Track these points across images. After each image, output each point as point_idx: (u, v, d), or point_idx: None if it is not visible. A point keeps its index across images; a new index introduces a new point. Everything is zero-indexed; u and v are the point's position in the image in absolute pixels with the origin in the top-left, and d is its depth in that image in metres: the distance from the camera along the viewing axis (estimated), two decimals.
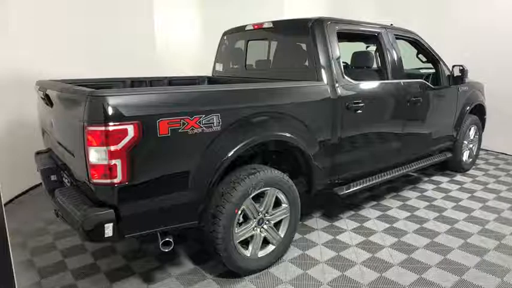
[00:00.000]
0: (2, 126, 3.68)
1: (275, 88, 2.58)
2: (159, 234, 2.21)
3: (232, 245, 2.37)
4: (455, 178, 4.60)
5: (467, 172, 4.81)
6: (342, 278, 2.53)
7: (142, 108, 1.93)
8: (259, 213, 2.53)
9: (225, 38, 3.83)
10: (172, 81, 3.76)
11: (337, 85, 2.87)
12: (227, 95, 2.28)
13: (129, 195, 1.95)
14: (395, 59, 3.46)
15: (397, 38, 3.85)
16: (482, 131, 4.96)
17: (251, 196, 2.42)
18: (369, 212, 3.60)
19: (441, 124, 4.07)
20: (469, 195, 4.04)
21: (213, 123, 2.16)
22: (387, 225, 3.31)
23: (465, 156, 4.74)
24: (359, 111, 3.02)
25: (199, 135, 2.11)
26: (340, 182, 3.11)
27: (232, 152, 2.24)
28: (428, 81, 4.07)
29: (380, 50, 3.44)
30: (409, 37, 3.83)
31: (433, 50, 4.03)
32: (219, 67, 3.88)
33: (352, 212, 3.60)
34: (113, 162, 1.87)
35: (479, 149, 5.01)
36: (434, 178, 4.60)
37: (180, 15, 5.43)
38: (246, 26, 3.50)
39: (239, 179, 2.37)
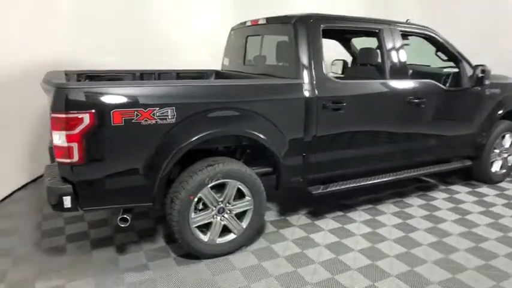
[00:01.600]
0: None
1: (239, 85, 2.69)
2: (121, 210, 2.51)
3: (188, 228, 2.58)
4: (478, 189, 4.19)
5: (498, 184, 4.34)
6: (293, 274, 2.58)
7: (98, 99, 2.21)
8: (219, 203, 2.69)
9: (232, 33, 3.98)
10: (180, 74, 4.03)
11: (315, 84, 2.86)
12: (183, 90, 2.46)
13: (84, 174, 2.27)
14: (396, 57, 3.28)
15: (408, 35, 3.65)
16: None
17: (209, 186, 2.59)
18: (359, 214, 3.51)
19: (456, 128, 3.75)
20: (484, 209, 3.67)
21: (167, 115, 2.36)
22: (369, 230, 3.21)
23: (495, 167, 4.27)
24: (340, 111, 2.97)
25: (153, 126, 2.33)
26: (317, 181, 3.11)
27: (185, 144, 2.43)
28: (447, 81, 3.78)
29: (380, 48, 3.29)
30: (422, 33, 3.58)
31: (453, 48, 3.70)
32: (226, 61, 4.05)
33: (341, 213, 3.54)
34: (71, 144, 2.18)
35: None
36: (453, 187, 4.25)
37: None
38: (246, 21, 3.61)
39: (197, 169, 2.56)
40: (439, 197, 3.97)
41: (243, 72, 3.62)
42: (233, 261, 2.73)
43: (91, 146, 2.23)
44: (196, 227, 2.65)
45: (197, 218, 2.63)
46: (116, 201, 2.42)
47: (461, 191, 4.16)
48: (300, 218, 3.44)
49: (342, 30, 3.20)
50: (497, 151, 4.22)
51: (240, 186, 2.72)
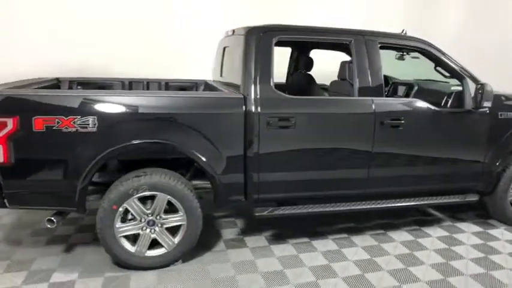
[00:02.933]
0: None
1: (168, 97, 2.64)
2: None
3: (112, 237, 2.59)
4: (490, 231, 3.50)
5: None
6: None
7: (21, 106, 2.35)
8: (148, 215, 2.65)
9: (218, 43, 3.94)
10: (169, 84, 4.10)
11: (259, 99, 2.68)
12: (106, 100, 2.48)
13: (9, 174, 2.41)
14: (369, 72, 2.92)
15: (394, 48, 3.24)
16: None
17: (135, 197, 2.57)
18: (325, 244, 3.17)
19: (452, 157, 3.18)
20: (480, 256, 3.04)
21: (88, 124, 2.41)
22: (324, 263, 2.87)
23: None
24: (289, 129, 2.74)
25: (73, 134, 2.40)
26: (268, 202, 2.89)
27: (105, 153, 2.45)
28: (449, 101, 3.26)
29: (350, 62, 2.96)
30: (411, 46, 3.14)
31: (453, 62, 3.17)
32: (214, 72, 4.02)
33: (307, 240, 3.24)
34: None
35: None
36: (461, 224, 3.61)
37: None
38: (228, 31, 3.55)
39: (124, 179, 2.57)
40: (434, 234, 3.40)
41: (219, 83, 3.56)
42: (155, 275, 2.65)
43: (16, 149, 2.36)
44: (125, 237, 2.65)
45: (123, 228, 2.62)
46: (40, 203, 2.53)
47: (468, 230, 3.51)
48: (258, 240, 3.23)
49: (305, 42, 2.94)
50: None
51: (171, 200, 2.66)
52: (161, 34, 4.70)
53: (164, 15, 4.71)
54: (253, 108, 2.67)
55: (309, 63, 4.03)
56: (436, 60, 3.21)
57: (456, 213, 3.85)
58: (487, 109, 3.16)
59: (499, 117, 3.22)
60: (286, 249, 3.08)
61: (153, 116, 2.55)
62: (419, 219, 3.72)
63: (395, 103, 3.04)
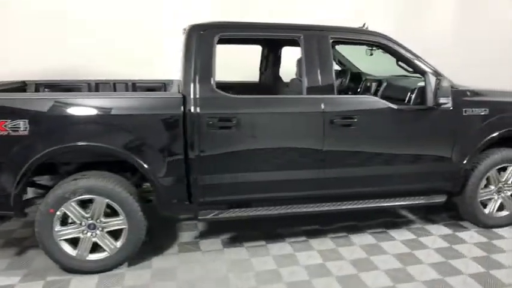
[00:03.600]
0: None
1: (103, 98, 2.59)
2: None
3: (51, 240, 2.56)
4: (459, 233, 3.31)
5: (494, 230, 3.36)
6: None
7: None
8: (88, 219, 2.62)
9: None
10: (136, 85, 4.06)
11: (198, 99, 2.60)
12: (37, 103, 2.45)
13: None
14: (319, 69, 2.79)
15: (352, 43, 3.11)
16: None
17: (72, 200, 2.54)
18: (280, 247, 3.06)
19: (415, 156, 3.03)
20: (441, 260, 2.86)
21: (19, 127, 2.39)
22: (272, 268, 2.77)
23: (490, 207, 3.34)
24: (231, 130, 2.65)
25: (5, 137, 2.38)
26: (212, 205, 2.82)
27: (37, 157, 2.42)
28: (412, 97, 3.10)
29: (301, 58, 2.84)
30: (371, 41, 2.99)
31: (416, 57, 3.01)
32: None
33: (263, 243, 3.15)
34: None
35: None
36: (430, 227, 3.44)
37: None
38: None
39: (62, 183, 2.54)
40: (398, 237, 3.25)
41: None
42: (96, 279, 2.62)
43: None
44: (66, 240, 2.63)
45: (62, 232, 2.60)
46: None
47: (437, 232, 3.34)
48: (213, 243, 3.16)
49: (251, 39, 2.84)
50: (492, 187, 3.29)
51: (111, 204, 2.61)
52: (161, 34, 4.62)
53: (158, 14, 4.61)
54: (192, 109, 2.59)
55: (277, 61, 3.92)
56: (395, 55, 3.05)
57: (429, 214, 3.68)
58: (450, 105, 2.99)
59: (464, 113, 3.03)
60: (239, 252, 3.01)
61: (86, 119, 2.51)
62: (389, 221, 3.56)
63: (347, 101, 2.90)
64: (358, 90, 4.00)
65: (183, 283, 2.59)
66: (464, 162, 3.12)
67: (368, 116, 2.86)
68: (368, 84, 3.95)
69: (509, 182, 3.31)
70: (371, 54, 3.58)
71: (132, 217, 2.65)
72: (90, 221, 2.63)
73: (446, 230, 3.38)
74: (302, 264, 2.83)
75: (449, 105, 2.97)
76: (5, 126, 2.37)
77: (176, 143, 2.62)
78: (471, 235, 3.28)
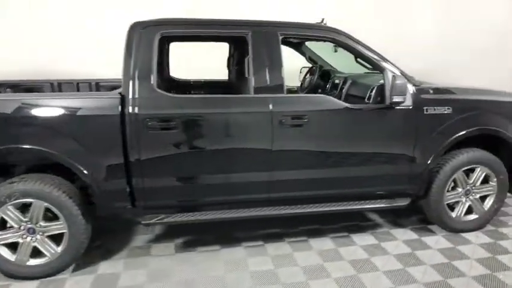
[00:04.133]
0: None
1: (36, 99, 2.50)
2: None
3: None
4: (425, 238, 3.15)
5: (462, 235, 3.19)
6: None
7: None
8: (27, 223, 2.55)
9: None
10: (99, 84, 3.99)
11: (137, 99, 2.51)
12: None
13: None
14: (266, 67, 2.67)
15: (305, 39, 2.98)
16: (510, 174, 3.18)
17: (8, 204, 2.48)
18: (233, 252, 2.96)
19: (372, 157, 2.88)
20: (400, 267, 2.72)
21: None
22: (220, 274, 2.67)
23: (457, 211, 3.17)
24: (172, 131, 2.55)
25: None
26: (158, 209, 2.72)
27: None
28: (371, 96, 2.96)
29: (249, 56, 2.73)
30: (325, 37, 2.86)
31: (373, 53, 2.86)
32: None
33: (218, 247, 3.05)
34: None
35: (498, 202, 3.23)
36: (397, 231, 3.29)
37: None
38: None
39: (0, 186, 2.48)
40: (360, 242, 3.11)
41: None
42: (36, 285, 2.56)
43: None
44: (5, 245, 2.56)
45: (2, 236, 2.54)
46: None
47: (401, 237, 3.19)
48: (167, 247, 3.07)
49: (199, 36, 2.73)
50: (459, 189, 3.13)
51: (50, 207, 2.54)
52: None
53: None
54: (131, 109, 2.50)
55: (242, 58, 3.81)
56: (353, 52, 2.91)
57: (398, 217, 3.53)
58: (409, 104, 2.84)
59: (425, 112, 2.88)
60: (190, 257, 2.91)
61: (25, 120, 2.43)
62: (354, 224, 3.42)
63: (298, 101, 2.78)
64: (326, 88, 3.86)
65: None
66: (428, 163, 2.96)
67: (319, 115, 2.73)
68: (336, 81, 3.81)
69: (478, 184, 3.14)
70: (335, 51, 3.45)
71: (72, 221, 2.57)
72: (30, 225, 2.56)
73: (412, 235, 3.23)
74: (253, 269, 2.72)
75: (409, 103, 2.83)
76: None
77: (115, 145, 2.53)
78: (437, 240, 3.12)
